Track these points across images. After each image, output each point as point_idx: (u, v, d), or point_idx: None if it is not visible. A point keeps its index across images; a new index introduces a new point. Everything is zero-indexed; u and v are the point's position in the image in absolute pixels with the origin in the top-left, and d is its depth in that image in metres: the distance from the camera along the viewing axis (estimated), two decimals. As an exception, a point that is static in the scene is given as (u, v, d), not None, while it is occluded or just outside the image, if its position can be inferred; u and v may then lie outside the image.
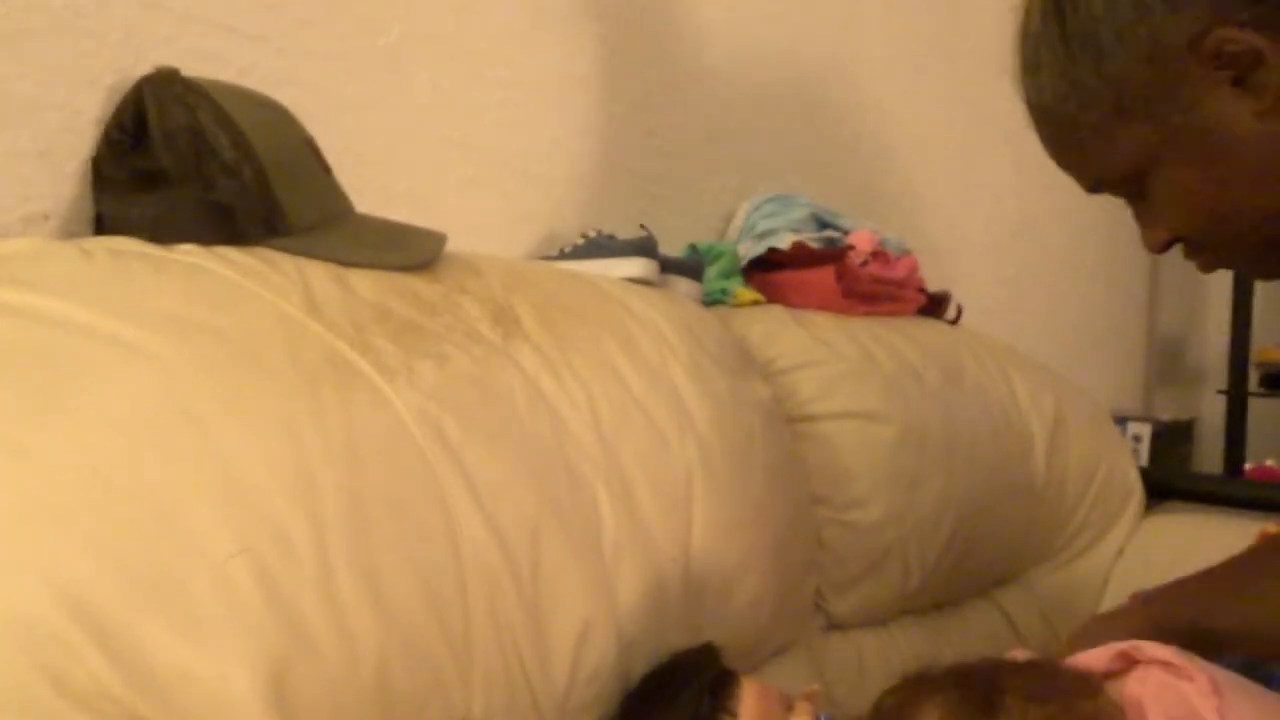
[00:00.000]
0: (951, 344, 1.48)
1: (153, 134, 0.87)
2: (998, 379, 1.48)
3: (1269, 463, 2.58)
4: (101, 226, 0.90)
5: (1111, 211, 0.82)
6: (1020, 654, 0.93)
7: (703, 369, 1.08)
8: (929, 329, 1.50)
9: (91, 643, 0.60)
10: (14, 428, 0.65)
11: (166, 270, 0.79)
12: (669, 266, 1.26)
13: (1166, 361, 2.82)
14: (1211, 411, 2.82)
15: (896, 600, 1.29)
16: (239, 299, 0.79)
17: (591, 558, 0.89)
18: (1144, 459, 2.39)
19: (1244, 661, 0.83)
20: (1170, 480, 1.85)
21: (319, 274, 0.86)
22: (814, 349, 1.29)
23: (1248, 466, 2.56)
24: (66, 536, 0.63)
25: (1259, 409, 2.60)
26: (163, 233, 0.84)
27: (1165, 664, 0.74)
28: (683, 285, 1.27)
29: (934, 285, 1.61)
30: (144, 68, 0.92)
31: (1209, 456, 2.79)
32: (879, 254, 1.51)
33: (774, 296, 1.41)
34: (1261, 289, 2.52)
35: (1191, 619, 0.85)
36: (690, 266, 1.30)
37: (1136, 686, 0.74)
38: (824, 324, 1.34)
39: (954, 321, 1.63)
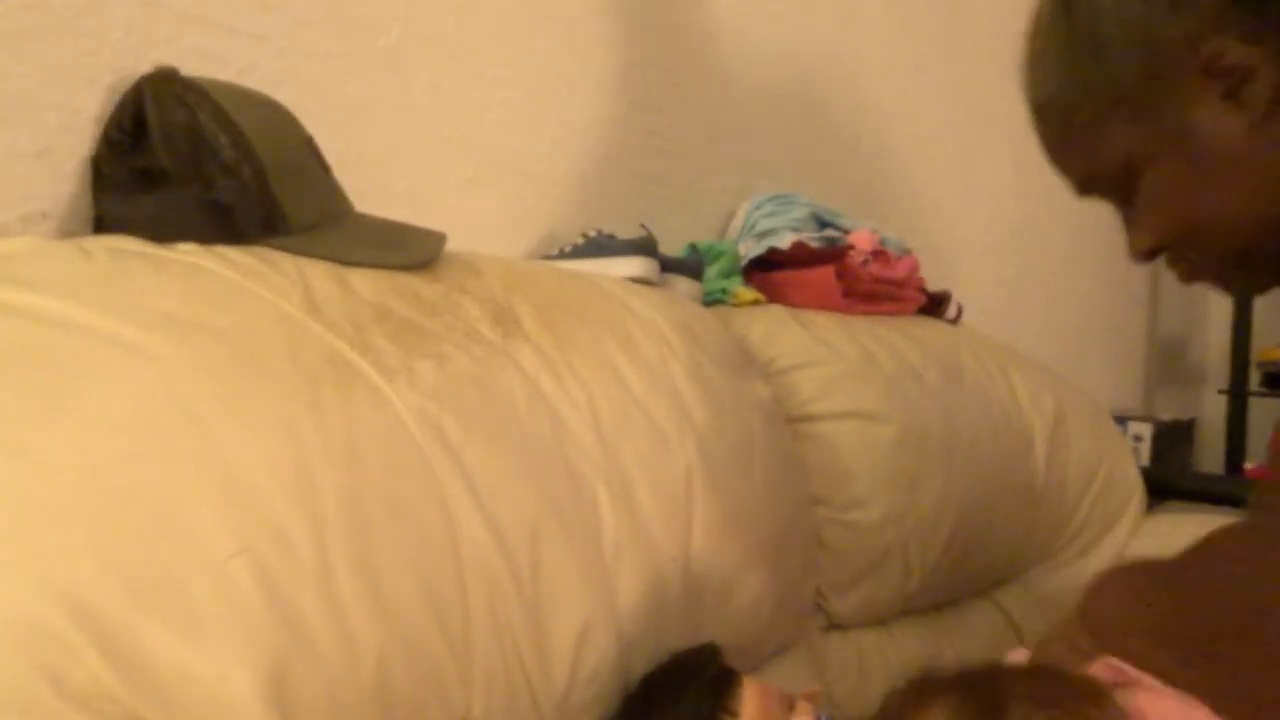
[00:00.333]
0: (951, 344, 1.48)
1: (152, 133, 0.87)
2: (998, 379, 1.48)
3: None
4: (101, 226, 0.89)
5: (1112, 212, 0.83)
6: (1020, 655, 0.93)
7: (703, 369, 1.08)
8: (929, 329, 1.50)
9: (91, 643, 0.60)
10: (14, 428, 0.65)
11: (166, 270, 0.79)
12: (669, 266, 1.26)
13: (1167, 361, 2.82)
14: (1212, 411, 2.82)
15: (896, 600, 1.29)
16: (239, 299, 0.79)
17: (591, 558, 0.89)
18: (1144, 459, 2.39)
19: None
20: (1171, 480, 1.85)
21: (319, 274, 0.86)
22: (814, 349, 1.29)
23: (1248, 466, 2.56)
24: (66, 536, 0.63)
25: (1260, 408, 2.60)
26: (162, 232, 0.84)
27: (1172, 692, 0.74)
28: (683, 285, 1.27)
29: (934, 285, 1.61)
30: (144, 67, 0.92)
31: (1210, 456, 2.79)
32: (879, 253, 1.51)
33: (774, 296, 1.41)
34: (1262, 289, 2.51)
35: (1105, 614, 0.84)
36: (690, 266, 1.30)
37: (1145, 702, 0.74)
38: (824, 324, 1.34)
39: (954, 321, 1.63)
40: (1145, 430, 2.43)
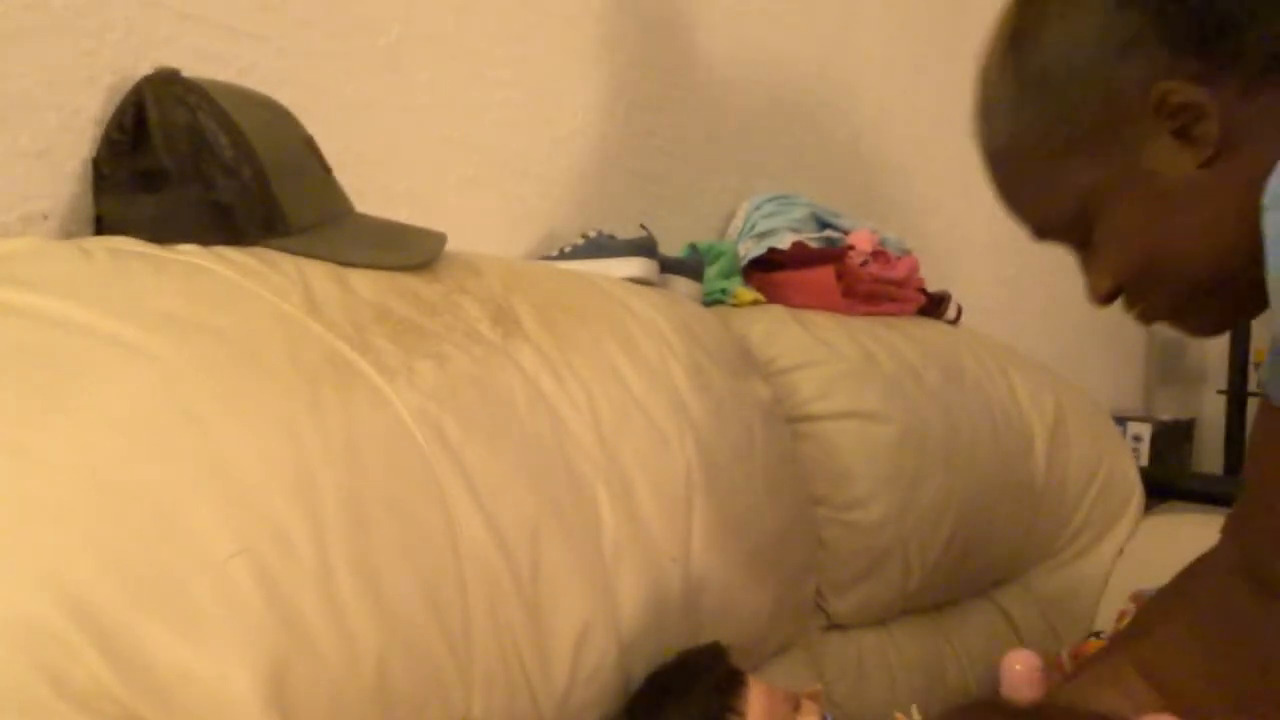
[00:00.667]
0: (951, 344, 1.48)
1: (153, 134, 0.87)
2: (998, 379, 1.48)
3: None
4: (101, 226, 0.90)
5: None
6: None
7: (703, 369, 1.08)
8: (929, 329, 1.50)
9: (91, 643, 0.60)
10: (14, 428, 0.65)
11: (166, 270, 0.79)
12: (669, 266, 1.26)
13: (1167, 361, 2.82)
14: (1212, 411, 2.82)
15: (896, 600, 1.29)
16: (239, 299, 0.79)
17: (591, 558, 0.89)
18: (1144, 459, 2.39)
19: None
20: (1171, 480, 1.85)
21: (319, 274, 0.86)
22: (814, 349, 1.29)
23: (1248, 466, 2.55)
24: (66, 536, 0.63)
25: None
26: (163, 233, 0.84)
27: None
28: (683, 285, 1.27)
29: (934, 285, 1.61)
30: (144, 67, 0.92)
31: (1209, 456, 2.79)
32: (879, 254, 1.51)
33: (774, 296, 1.41)
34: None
35: (1172, 666, 0.85)
36: (690, 266, 1.30)
37: None
38: (824, 324, 1.34)
39: (954, 321, 1.63)
40: (1145, 430, 2.43)
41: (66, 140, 0.90)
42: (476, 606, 0.79)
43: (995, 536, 1.41)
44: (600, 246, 1.22)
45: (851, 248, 1.48)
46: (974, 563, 1.38)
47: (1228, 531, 0.87)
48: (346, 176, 0.99)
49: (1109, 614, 1.48)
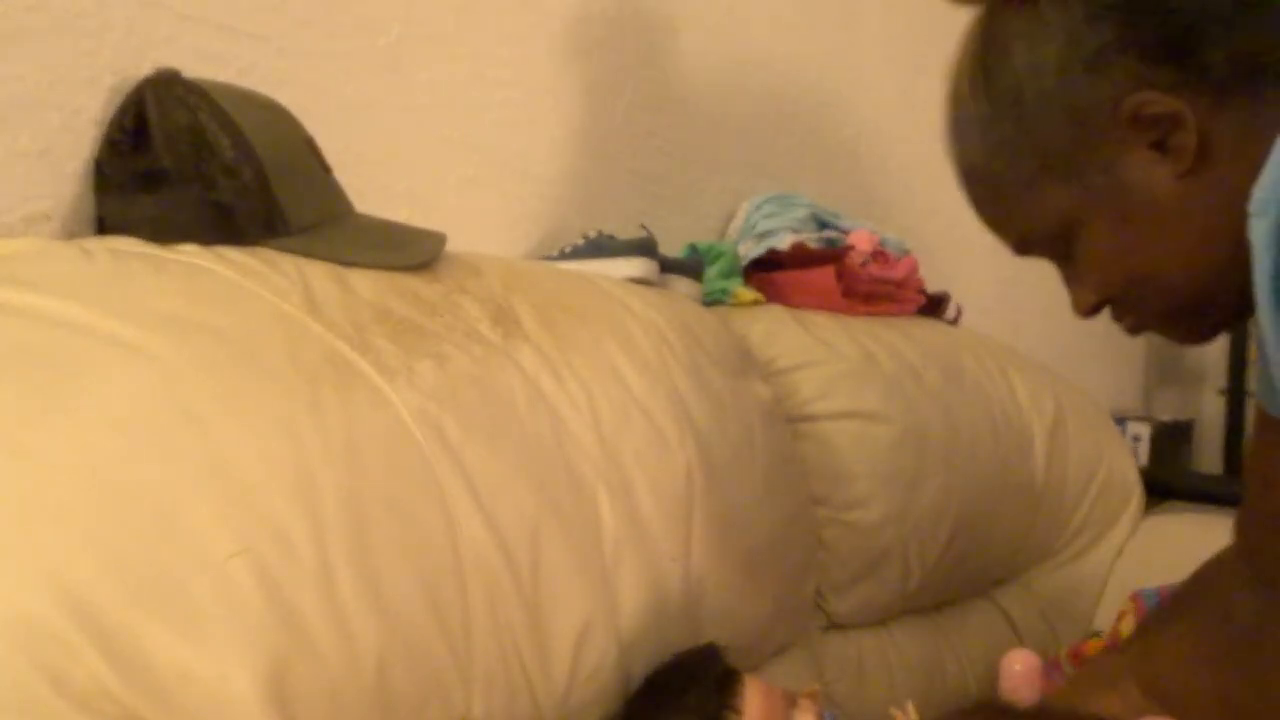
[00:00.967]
0: (951, 344, 1.48)
1: (154, 134, 0.87)
2: (998, 379, 1.48)
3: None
4: (103, 226, 0.90)
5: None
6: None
7: (703, 369, 1.08)
8: (929, 329, 1.50)
9: (91, 643, 0.60)
10: (14, 428, 0.65)
11: (167, 270, 0.79)
12: (669, 266, 1.26)
13: (1166, 361, 2.82)
14: (1211, 411, 2.82)
15: (896, 600, 1.29)
16: (239, 299, 0.79)
17: (591, 558, 0.89)
18: (1144, 459, 2.39)
19: None
20: (1170, 480, 1.85)
21: (319, 274, 0.86)
22: (814, 349, 1.29)
23: (1248, 466, 2.55)
24: (66, 536, 0.63)
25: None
26: (163, 233, 0.84)
27: None
28: (683, 285, 1.27)
29: (934, 285, 1.61)
30: (144, 68, 0.92)
31: (1209, 456, 2.78)
32: (879, 254, 1.51)
33: (774, 296, 1.41)
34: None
35: (1171, 678, 0.85)
36: (690, 266, 1.30)
37: None
38: (824, 324, 1.34)
39: (954, 321, 1.63)
40: (1144, 430, 2.43)
41: (67, 141, 0.90)
42: (476, 606, 0.79)
43: (995, 536, 1.41)
44: (600, 246, 1.22)
45: (851, 248, 1.48)
46: (974, 563, 1.38)
47: (1236, 534, 0.87)
48: (346, 176, 0.99)
49: (1109, 614, 1.47)
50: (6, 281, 0.73)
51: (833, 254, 1.45)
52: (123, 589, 0.63)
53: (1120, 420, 2.27)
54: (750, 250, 1.47)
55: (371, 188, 1.08)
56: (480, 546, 0.80)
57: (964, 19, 0.79)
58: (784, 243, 1.46)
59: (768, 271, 1.45)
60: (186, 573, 0.65)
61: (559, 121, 1.35)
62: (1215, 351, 2.82)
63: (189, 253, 0.83)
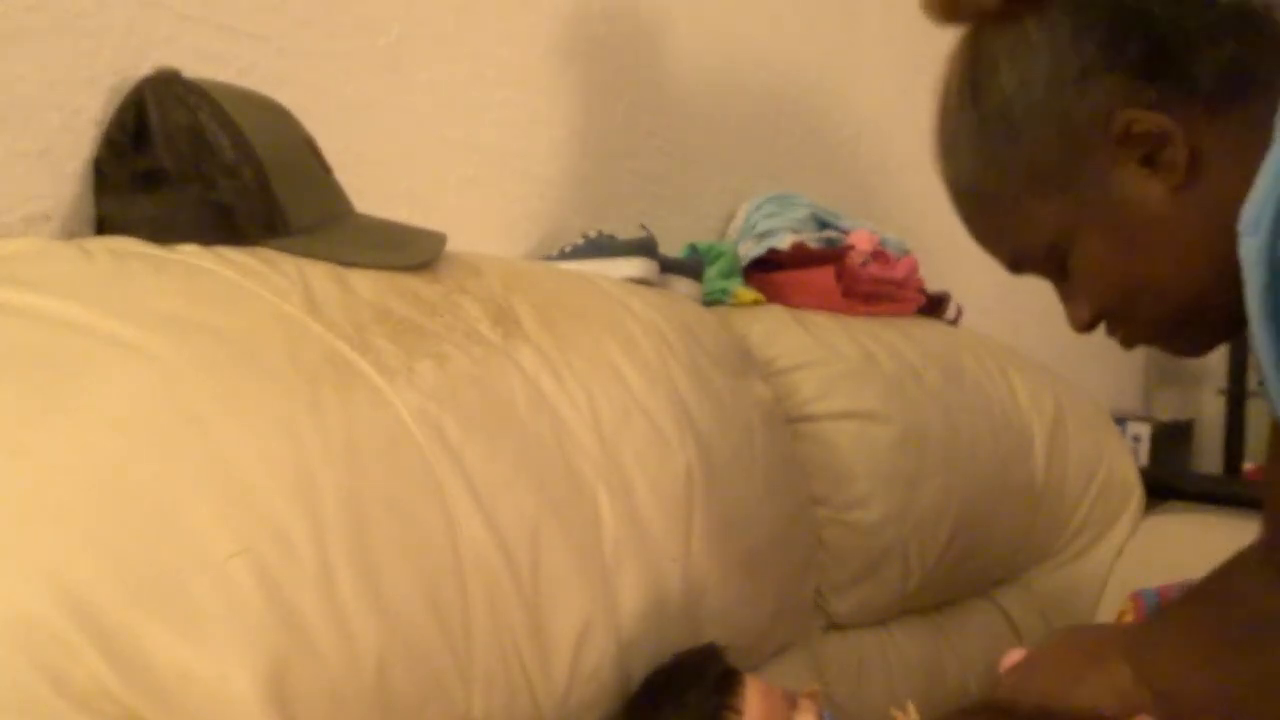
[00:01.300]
0: (951, 344, 1.48)
1: (153, 134, 0.87)
2: (998, 379, 1.48)
3: (1268, 463, 2.57)
4: (102, 227, 0.90)
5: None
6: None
7: (703, 369, 1.08)
8: (929, 329, 1.50)
9: (91, 643, 0.61)
10: (14, 428, 0.65)
11: (167, 270, 0.79)
12: (669, 266, 1.26)
13: (1166, 361, 2.82)
14: (1211, 411, 2.82)
15: (896, 600, 1.29)
16: (239, 299, 0.79)
17: (591, 558, 0.89)
18: (1144, 459, 2.39)
19: None
20: (1170, 480, 1.85)
21: (319, 274, 0.86)
22: (814, 349, 1.29)
23: (1248, 466, 2.55)
24: (66, 536, 0.63)
25: (1259, 409, 2.59)
26: (163, 233, 0.84)
27: None
28: (683, 285, 1.27)
29: (934, 286, 1.61)
30: (144, 68, 0.92)
31: (1209, 456, 2.78)
32: (879, 254, 1.51)
33: (774, 296, 1.41)
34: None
35: (1170, 673, 0.84)
36: (690, 266, 1.30)
37: None
38: (824, 324, 1.34)
39: (954, 321, 1.63)
40: (1144, 430, 2.43)
41: (67, 141, 0.90)
42: (476, 606, 0.79)
43: (995, 536, 1.41)
44: (600, 246, 1.22)
45: (851, 248, 1.48)
46: (974, 563, 1.38)
47: (1263, 530, 0.87)
48: (346, 176, 0.99)
49: (1109, 614, 1.47)
50: (6, 281, 0.73)
51: (833, 254, 1.45)
52: (123, 589, 0.63)
53: (1120, 420, 2.27)
54: (750, 250, 1.47)
55: (371, 188, 1.08)
56: (480, 546, 0.80)
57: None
58: (784, 243, 1.46)
59: (768, 271, 1.45)
60: (186, 573, 0.65)
61: (559, 121, 1.35)
62: (1215, 352, 2.81)
63: (189, 253, 0.83)
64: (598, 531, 0.90)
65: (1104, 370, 2.49)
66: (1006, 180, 0.75)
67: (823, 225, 1.55)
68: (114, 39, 0.92)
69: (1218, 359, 2.73)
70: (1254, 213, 0.62)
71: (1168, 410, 2.78)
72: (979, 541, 1.37)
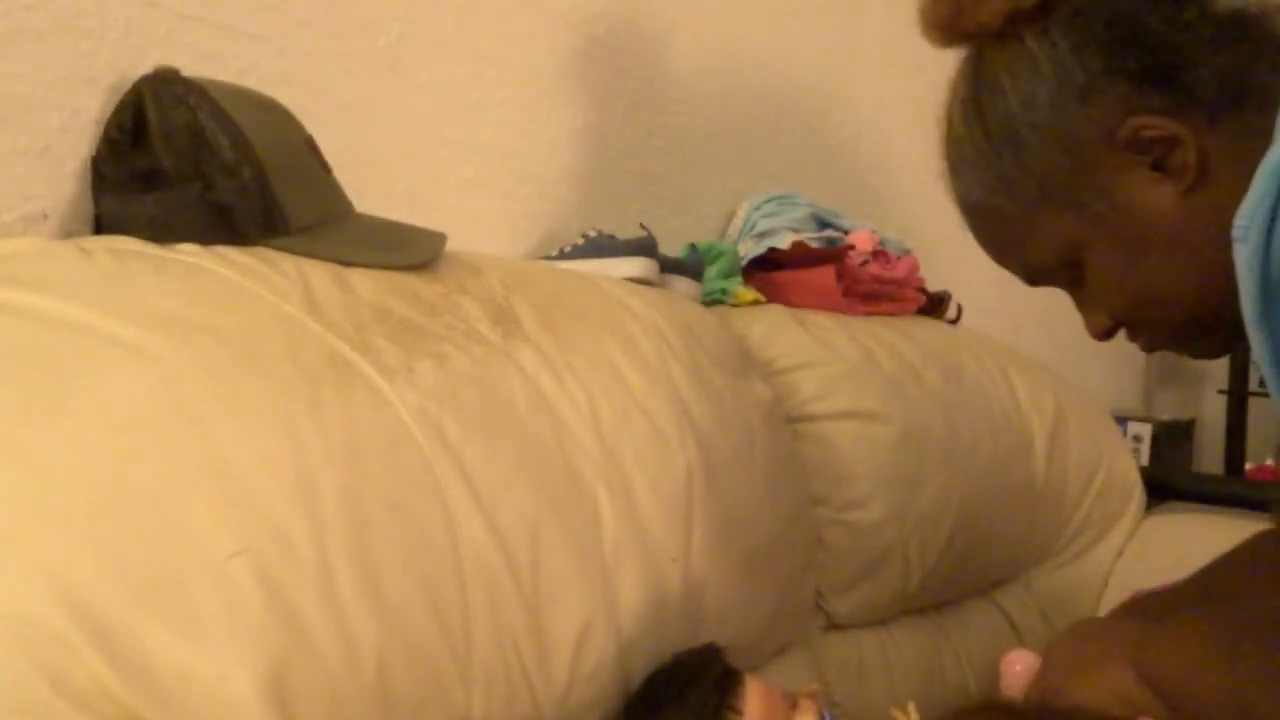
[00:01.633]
0: (951, 344, 1.48)
1: (152, 134, 0.87)
2: (998, 379, 1.48)
3: (1269, 462, 2.58)
4: (101, 226, 0.89)
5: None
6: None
7: (703, 369, 1.08)
8: (929, 329, 1.50)
9: (91, 643, 0.60)
10: (14, 428, 0.65)
11: (166, 270, 0.79)
12: (669, 266, 1.26)
13: (1167, 361, 2.82)
14: (1212, 411, 2.82)
15: (896, 600, 1.29)
16: (239, 299, 0.79)
17: (591, 558, 0.89)
18: (1144, 459, 2.39)
19: None
20: (1170, 480, 1.85)
21: (319, 274, 0.86)
22: (814, 349, 1.29)
23: (1248, 466, 2.55)
24: (66, 536, 0.63)
25: (1259, 409, 2.59)
26: (163, 232, 0.84)
27: None
28: (683, 285, 1.27)
29: (934, 285, 1.61)
30: (144, 67, 0.92)
31: (1209, 456, 2.78)
32: (879, 254, 1.51)
33: (774, 296, 1.41)
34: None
35: (1175, 675, 0.84)
36: (690, 266, 1.30)
37: None
38: (824, 324, 1.34)
39: (954, 321, 1.63)
40: (1145, 430, 2.43)
41: (66, 140, 0.90)
42: (476, 606, 0.79)
43: (995, 536, 1.41)
44: (600, 246, 1.22)
45: (851, 248, 1.48)
46: (974, 563, 1.38)
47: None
48: (346, 176, 0.99)
49: (1109, 614, 1.48)
50: (6, 281, 0.73)
51: (833, 254, 1.45)
52: (123, 589, 0.63)
53: (1121, 420, 2.27)
54: (750, 250, 1.47)
55: (371, 188, 1.08)
56: (480, 546, 0.80)
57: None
58: (784, 242, 1.45)
59: (768, 271, 1.45)
60: (186, 573, 0.65)
61: (559, 121, 1.35)
62: (1216, 352, 2.81)
63: (189, 253, 0.83)
64: (598, 531, 0.90)
65: (1104, 370, 2.49)
66: (1016, 197, 0.76)
67: (823, 225, 1.55)
68: (113, 39, 0.92)
69: (1218, 359, 2.73)
70: (1244, 221, 0.63)
71: (1168, 410, 2.78)
72: (979, 541, 1.37)
